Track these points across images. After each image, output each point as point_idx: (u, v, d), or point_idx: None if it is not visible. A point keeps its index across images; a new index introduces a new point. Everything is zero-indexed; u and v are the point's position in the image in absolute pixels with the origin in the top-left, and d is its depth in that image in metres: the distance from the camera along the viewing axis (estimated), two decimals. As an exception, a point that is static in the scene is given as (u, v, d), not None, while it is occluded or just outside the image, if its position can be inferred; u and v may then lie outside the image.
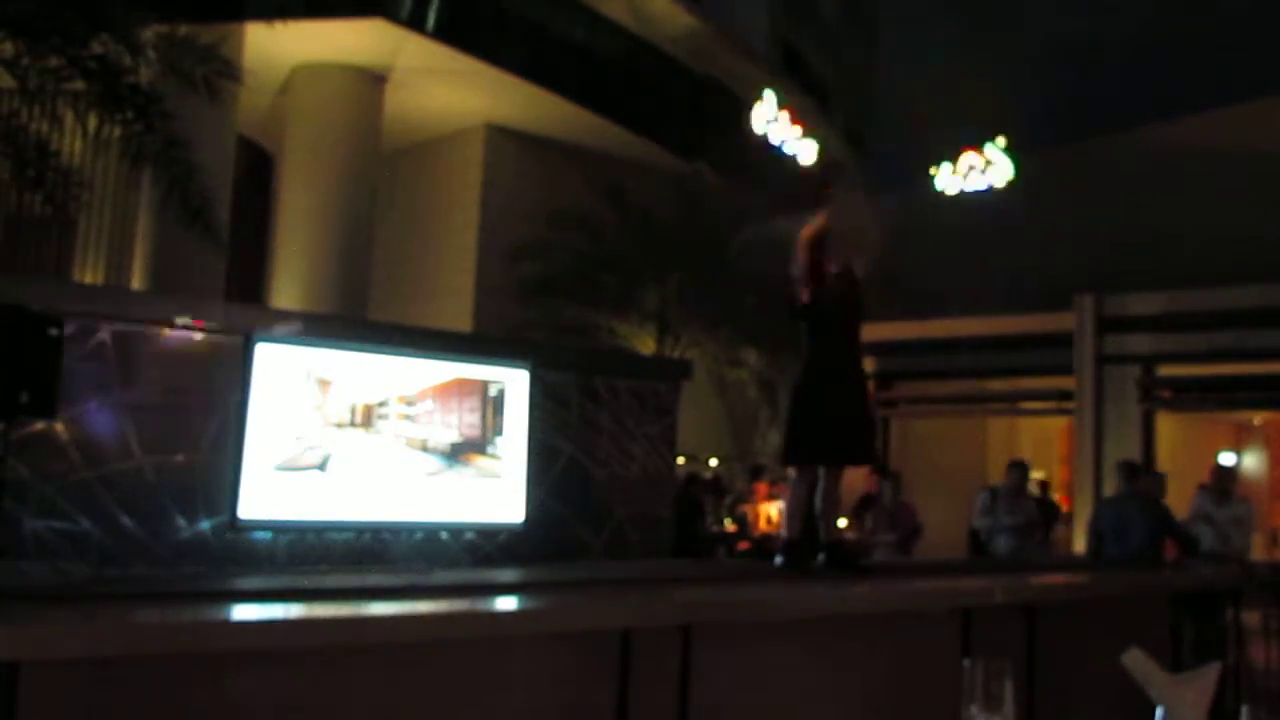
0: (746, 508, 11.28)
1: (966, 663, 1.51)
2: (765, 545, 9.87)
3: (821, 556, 4.88)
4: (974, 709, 1.49)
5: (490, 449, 5.29)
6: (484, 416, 5.32)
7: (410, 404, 5.08)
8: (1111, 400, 13.22)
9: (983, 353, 14.25)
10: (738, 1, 16.30)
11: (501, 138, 15.32)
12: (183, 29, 7.29)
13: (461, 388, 5.27)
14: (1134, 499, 7.55)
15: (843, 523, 6.89)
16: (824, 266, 4.84)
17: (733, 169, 15.08)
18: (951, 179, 6.10)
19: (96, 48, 6.68)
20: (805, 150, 5.73)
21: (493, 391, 5.34)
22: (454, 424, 5.22)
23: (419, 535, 5.07)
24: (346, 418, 4.89)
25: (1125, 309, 13.28)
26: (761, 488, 11.34)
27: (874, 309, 5.29)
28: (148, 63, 6.99)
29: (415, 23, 12.90)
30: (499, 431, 5.32)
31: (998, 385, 15.63)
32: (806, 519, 4.92)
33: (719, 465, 13.57)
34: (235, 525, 4.52)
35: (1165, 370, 13.63)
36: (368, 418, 4.96)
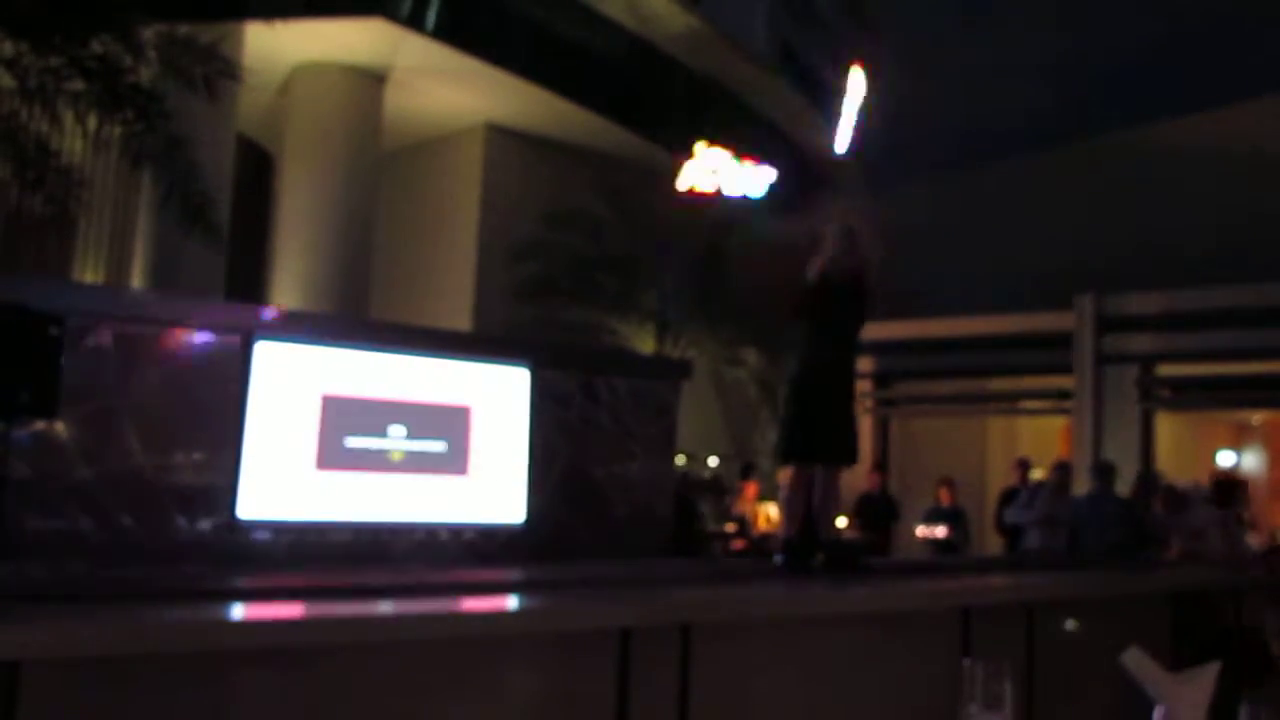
0: (741, 507, 11.26)
1: (966, 663, 1.51)
2: (764, 545, 9.87)
3: (820, 556, 4.88)
4: (974, 709, 1.50)
5: (489, 449, 5.29)
6: (483, 418, 5.32)
7: (410, 404, 5.08)
8: (1110, 400, 13.22)
9: (982, 352, 14.24)
10: (738, 1, 16.29)
11: (501, 138, 15.31)
12: (183, 29, 7.28)
13: (459, 393, 5.28)
14: (1110, 497, 7.83)
15: (842, 522, 6.90)
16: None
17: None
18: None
19: (96, 48, 6.67)
20: (762, 178, 5.55)
21: (490, 395, 5.34)
22: (453, 425, 5.22)
23: (419, 535, 5.07)
24: (347, 417, 4.89)
25: (1124, 309, 13.27)
26: (750, 487, 11.31)
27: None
28: (148, 63, 6.98)
29: (415, 23, 12.89)
30: (497, 433, 5.32)
31: (997, 385, 15.63)
32: (805, 518, 4.92)
33: (719, 465, 13.57)
34: (235, 525, 4.52)
35: (1164, 370, 13.63)
36: (368, 417, 4.96)
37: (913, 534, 10.90)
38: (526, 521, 5.29)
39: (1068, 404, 13.68)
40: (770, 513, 10.82)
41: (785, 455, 4.99)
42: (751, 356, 14.27)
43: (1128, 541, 7.50)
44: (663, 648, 3.16)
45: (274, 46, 12.00)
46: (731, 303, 13.45)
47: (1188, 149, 13.92)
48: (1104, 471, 8.20)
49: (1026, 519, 8.57)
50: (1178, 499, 8.16)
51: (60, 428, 4.13)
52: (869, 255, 5.01)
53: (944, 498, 10.72)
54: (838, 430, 4.85)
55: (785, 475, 5.06)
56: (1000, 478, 12.55)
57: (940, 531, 10.40)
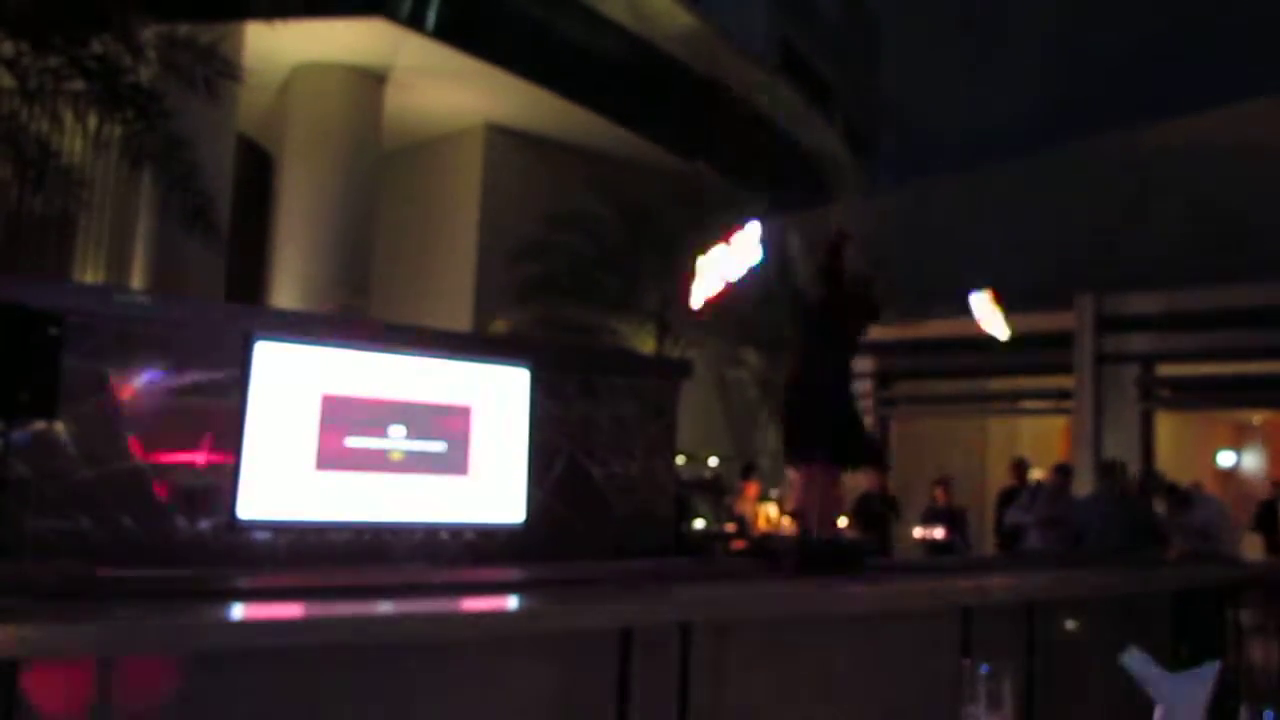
0: (741, 507, 11.24)
1: (966, 663, 1.52)
2: (764, 545, 9.85)
3: (820, 556, 4.88)
4: (974, 709, 1.50)
5: (489, 449, 5.28)
6: (483, 418, 5.31)
7: (410, 404, 5.07)
8: (1110, 400, 13.22)
9: (982, 352, 14.23)
10: (738, 1, 16.30)
11: (501, 138, 15.32)
12: (183, 29, 7.29)
13: (460, 393, 5.28)
14: (1113, 498, 7.85)
15: (842, 522, 6.90)
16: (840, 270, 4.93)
17: (733, 168, 15.10)
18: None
19: (96, 48, 6.68)
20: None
21: (491, 395, 5.34)
22: (453, 425, 5.22)
23: (419, 535, 5.07)
24: (346, 417, 4.89)
25: (1124, 308, 13.27)
26: (750, 487, 11.29)
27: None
28: (148, 62, 6.99)
29: (415, 23, 12.90)
30: (497, 433, 5.32)
31: (997, 385, 15.63)
32: (807, 518, 4.93)
33: (719, 465, 13.57)
34: (235, 525, 4.52)
35: (1164, 369, 13.63)
36: (368, 417, 4.95)
37: (913, 535, 10.88)
38: (526, 521, 5.28)
39: (1068, 404, 13.68)
40: (770, 513, 10.80)
41: (791, 456, 5.01)
42: (752, 356, 14.27)
43: (1130, 541, 7.49)
44: (663, 647, 3.16)
45: (274, 46, 12.01)
46: (731, 303, 13.45)
47: (1188, 149, 13.91)
48: (1108, 471, 8.19)
49: (1027, 520, 8.58)
50: (1180, 498, 8.15)
51: (60, 428, 4.12)
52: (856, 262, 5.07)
53: (939, 497, 10.70)
54: (847, 429, 4.87)
55: (794, 476, 5.08)
56: (1000, 478, 12.55)
57: (938, 533, 10.37)
